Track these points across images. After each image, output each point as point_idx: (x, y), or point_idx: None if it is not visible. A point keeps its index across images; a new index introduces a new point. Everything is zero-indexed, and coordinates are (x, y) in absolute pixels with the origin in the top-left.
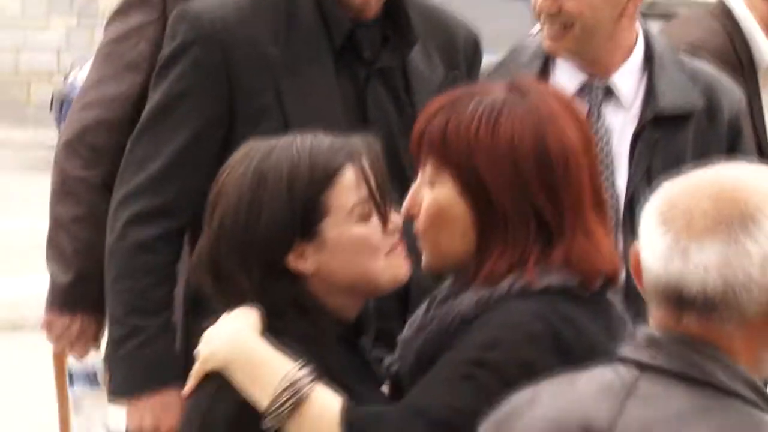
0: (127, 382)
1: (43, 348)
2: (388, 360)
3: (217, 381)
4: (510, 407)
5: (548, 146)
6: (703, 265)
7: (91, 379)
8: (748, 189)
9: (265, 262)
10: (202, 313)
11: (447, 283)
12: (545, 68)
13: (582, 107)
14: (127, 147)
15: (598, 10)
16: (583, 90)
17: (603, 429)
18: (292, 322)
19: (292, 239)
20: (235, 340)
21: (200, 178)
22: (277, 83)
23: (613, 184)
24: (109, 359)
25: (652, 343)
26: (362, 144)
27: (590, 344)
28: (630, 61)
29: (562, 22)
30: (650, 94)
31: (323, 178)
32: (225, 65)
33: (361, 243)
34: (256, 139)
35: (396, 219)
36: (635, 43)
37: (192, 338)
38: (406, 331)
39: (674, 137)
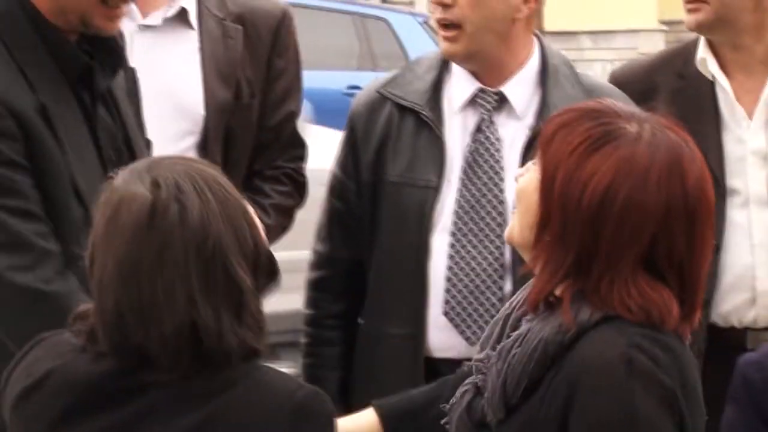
0: None
1: None
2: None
3: None
4: None
5: (616, 199)
6: None
7: None
8: None
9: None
10: None
11: (520, 296)
12: (440, 79)
13: (699, 168)
14: None
15: (490, 7)
16: (476, 98)
17: None
18: None
19: None
20: None
21: None
22: (55, 132)
23: (500, 193)
24: None
25: None
26: None
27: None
28: (524, 71)
29: (454, 18)
30: (544, 106)
31: None
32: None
33: None
34: None
35: None
36: (530, 55)
37: None
38: (486, 348)
39: None
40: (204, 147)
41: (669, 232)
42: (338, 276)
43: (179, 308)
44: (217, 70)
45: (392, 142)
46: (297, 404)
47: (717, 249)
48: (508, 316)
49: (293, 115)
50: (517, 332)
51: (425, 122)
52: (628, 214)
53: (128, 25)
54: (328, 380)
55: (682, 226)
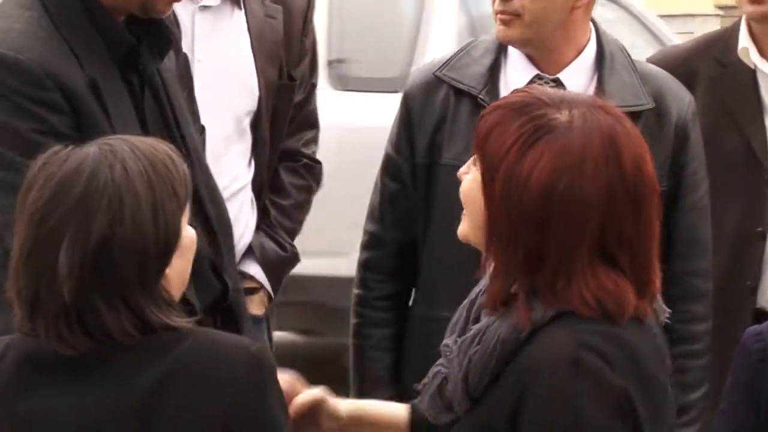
0: None
1: None
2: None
3: None
4: None
5: (558, 193)
6: None
7: None
8: None
9: (161, 267)
10: None
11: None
12: (496, 63)
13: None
14: None
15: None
16: (533, 83)
17: None
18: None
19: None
20: None
21: None
22: (105, 106)
23: None
24: None
25: None
26: None
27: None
28: (581, 58)
29: (513, 11)
30: (599, 92)
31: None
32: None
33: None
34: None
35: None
36: (588, 42)
37: None
38: (455, 334)
39: None
40: (256, 126)
41: (616, 217)
42: (390, 257)
43: (58, 285)
44: (264, 50)
45: (448, 125)
46: (253, 356)
47: (763, 236)
48: (473, 301)
49: (312, 93)
50: (477, 326)
51: (482, 106)
52: (571, 208)
53: (188, 7)
54: (378, 361)
55: (628, 207)
